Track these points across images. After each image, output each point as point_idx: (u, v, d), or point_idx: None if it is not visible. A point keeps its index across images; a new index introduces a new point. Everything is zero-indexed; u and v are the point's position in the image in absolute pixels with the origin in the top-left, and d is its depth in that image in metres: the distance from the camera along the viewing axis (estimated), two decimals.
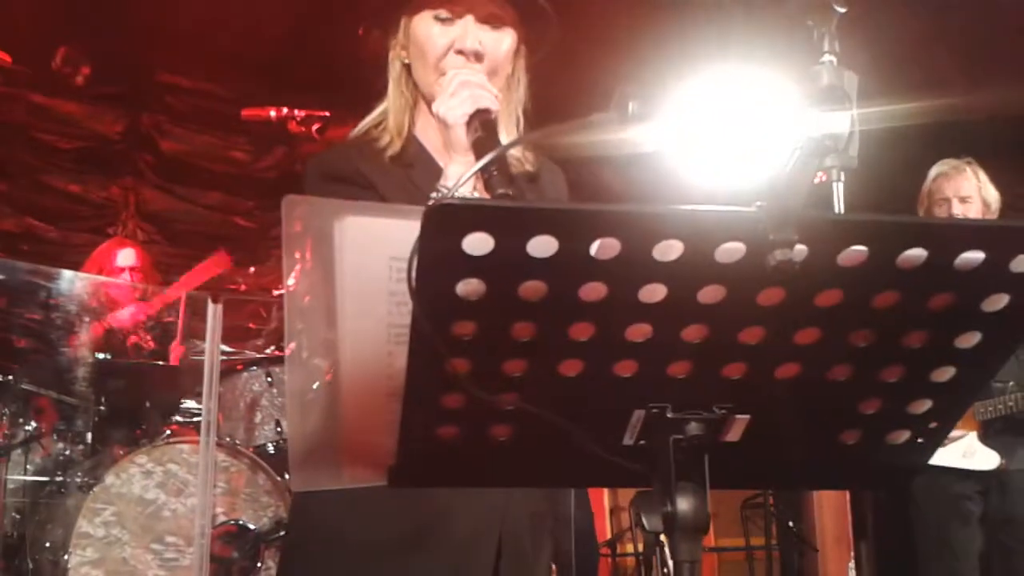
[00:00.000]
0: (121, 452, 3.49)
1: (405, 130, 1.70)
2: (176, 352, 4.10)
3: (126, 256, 4.46)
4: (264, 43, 5.28)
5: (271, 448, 3.83)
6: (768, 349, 0.93)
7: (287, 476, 3.36)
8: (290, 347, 1.03)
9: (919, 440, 1.05)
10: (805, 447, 1.05)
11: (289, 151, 5.56)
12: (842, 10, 1.52)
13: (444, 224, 0.81)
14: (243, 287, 4.64)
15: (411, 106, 1.72)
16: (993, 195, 3.56)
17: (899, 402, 1.01)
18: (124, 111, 5.80)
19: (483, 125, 1.52)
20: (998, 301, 0.92)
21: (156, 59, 5.70)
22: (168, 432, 3.61)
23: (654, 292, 0.87)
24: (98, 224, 5.67)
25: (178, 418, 3.87)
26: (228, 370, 3.87)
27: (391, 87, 1.73)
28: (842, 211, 1.50)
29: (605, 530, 5.77)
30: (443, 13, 1.64)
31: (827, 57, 1.51)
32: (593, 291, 0.86)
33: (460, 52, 1.63)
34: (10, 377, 3.68)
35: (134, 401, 3.85)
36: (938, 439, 1.06)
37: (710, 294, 0.88)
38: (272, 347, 4.11)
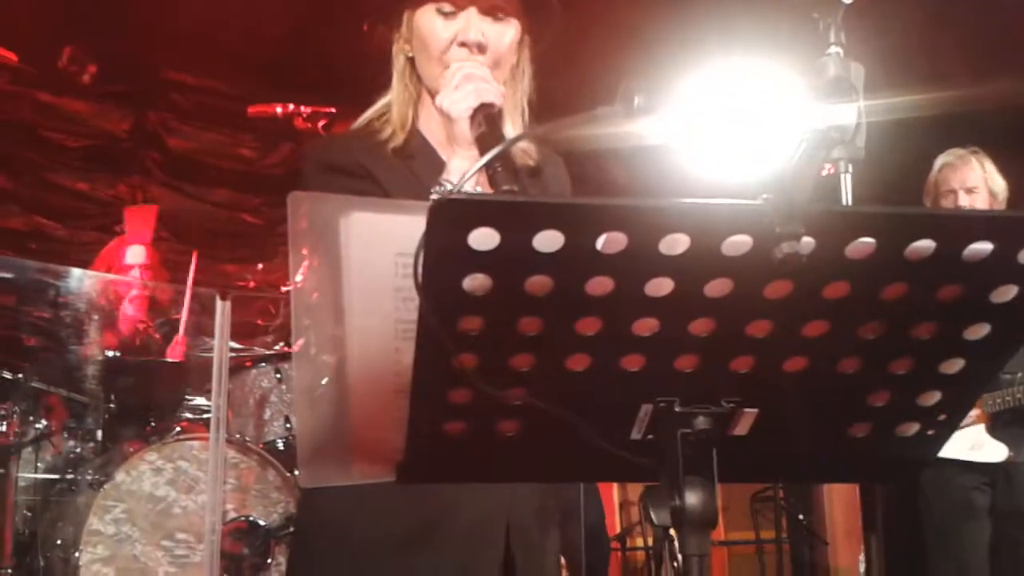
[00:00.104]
0: (131, 449, 3.49)
1: (409, 123, 1.70)
2: (179, 346, 4.08)
3: (135, 254, 4.46)
4: (267, 40, 5.28)
5: (280, 444, 3.83)
6: (776, 342, 0.93)
7: (296, 472, 3.37)
8: (298, 343, 1.03)
9: (929, 432, 1.05)
10: (814, 440, 1.05)
11: (296, 148, 5.54)
12: (848, 1, 1.51)
13: (450, 220, 0.81)
14: (251, 284, 4.65)
15: (415, 99, 1.72)
16: (1000, 185, 3.53)
17: (908, 394, 1.01)
18: (131, 109, 5.81)
19: (486, 119, 1.52)
20: (1007, 292, 0.92)
21: (161, 57, 5.70)
22: (178, 429, 3.62)
23: (661, 286, 0.87)
24: (105, 222, 5.67)
25: (188, 415, 3.87)
26: (237, 367, 3.86)
27: (395, 80, 1.73)
28: (849, 203, 1.49)
29: (615, 525, 5.78)
30: (446, 6, 1.64)
31: (833, 49, 1.50)
32: (600, 285, 0.86)
33: (463, 44, 1.63)
34: (20, 375, 3.68)
35: (144, 398, 3.86)
36: (947, 431, 1.06)
37: (717, 287, 0.88)
38: (281, 343, 4.11)
